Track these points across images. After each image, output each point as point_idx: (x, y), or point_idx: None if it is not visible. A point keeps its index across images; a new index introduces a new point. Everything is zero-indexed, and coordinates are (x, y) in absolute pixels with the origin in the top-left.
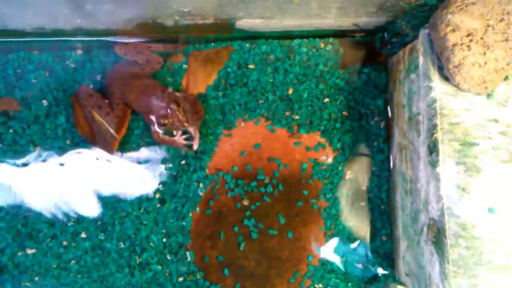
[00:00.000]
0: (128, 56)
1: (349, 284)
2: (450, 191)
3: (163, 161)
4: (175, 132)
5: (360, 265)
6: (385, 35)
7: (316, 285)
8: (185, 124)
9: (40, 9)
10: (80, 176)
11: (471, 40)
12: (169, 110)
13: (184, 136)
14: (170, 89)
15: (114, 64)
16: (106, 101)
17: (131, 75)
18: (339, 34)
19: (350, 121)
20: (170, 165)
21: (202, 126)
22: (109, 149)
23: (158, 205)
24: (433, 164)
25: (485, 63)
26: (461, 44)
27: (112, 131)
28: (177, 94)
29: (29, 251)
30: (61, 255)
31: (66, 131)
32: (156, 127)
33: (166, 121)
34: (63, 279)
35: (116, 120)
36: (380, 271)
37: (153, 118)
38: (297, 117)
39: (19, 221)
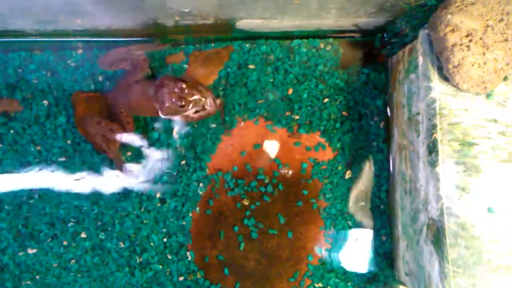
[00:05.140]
0: (114, 67)
1: (349, 283)
2: (449, 191)
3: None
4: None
5: (359, 265)
6: (385, 35)
7: (316, 285)
8: (204, 93)
9: (41, 9)
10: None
11: (470, 41)
12: (177, 90)
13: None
14: (164, 75)
15: (114, 83)
16: (115, 124)
17: (130, 88)
18: (338, 34)
19: (350, 121)
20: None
21: (201, 125)
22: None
23: (159, 205)
24: (433, 164)
25: (485, 63)
26: (461, 45)
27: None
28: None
29: (30, 251)
30: (62, 254)
31: (66, 131)
32: (175, 115)
33: (184, 102)
34: (64, 279)
35: (133, 129)
36: (380, 270)
37: (169, 108)
38: (297, 117)
39: (19, 221)
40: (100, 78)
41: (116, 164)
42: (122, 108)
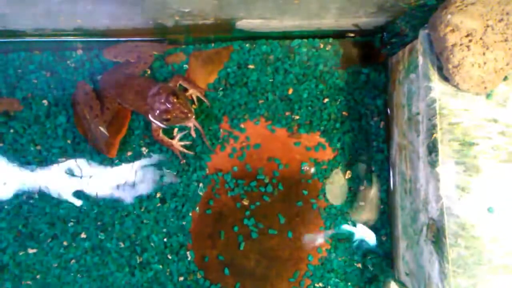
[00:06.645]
0: (119, 58)
1: (349, 283)
2: (449, 191)
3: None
4: (174, 133)
5: (359, 265)
6: (385, 35)
7: (316, 285)
8: (189, 114)
9: (41, 10)
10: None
11: (470, 41)
12: (168, 104)
13: (181, 143)
14: (163, 83)
15: (107, 69)
16: (98, 103)
17: (125, 77)
18: (338, 34)
19: (350, 121)
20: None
21: (202, 125)
22: (102, 149)
23: (159, 205)
24: (433, 164)
25: (485, 63)
26: (461, 45)
27: (103, 129)
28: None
29: (30, 251)
30: (62, 255)
31: (66, 131)
32: (159, 124)
33: (169, 116)
34: (64, 278)
35: (103, 124)
36: (380, 270)
37: (155, 115)
38: (297, 117)
39: (20, 222)
40: (99, 78)
41: (89, 141)
42: (110, 94)
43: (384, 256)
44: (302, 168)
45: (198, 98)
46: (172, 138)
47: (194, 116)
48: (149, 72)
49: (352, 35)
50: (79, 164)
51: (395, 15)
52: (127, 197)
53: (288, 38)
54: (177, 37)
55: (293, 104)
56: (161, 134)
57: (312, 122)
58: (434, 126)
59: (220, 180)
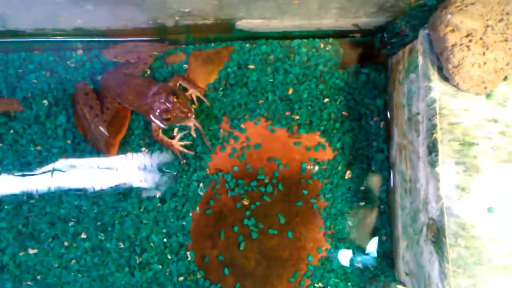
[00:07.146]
0: (119, 58)
1: (349, 283)
2: (449, 191)
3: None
4: (174, 133)
5: (359, 265)
6: (385, 35)
7: (315, 285)
8: (189, 114)
9: (41, 10)
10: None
11: (470, 41)
12: (168, 104)
13: (181, 143)
14: (163, 83)
15: (107, 69)
16: (98, 103)
17: (125, 77)
18: (338, 34)
19: (350, 121)
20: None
21: (202, 125)
22: (102, 148)
23: (159, 204)
24: (433, 164)
25: (485, 63)
26: (461, 45)
27: (102, 130)
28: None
29: (31, 251)
30: (62, 255)
31: (66, 131)
32: (159, 124)
33: (169, 115)
34: (64, 278)
35: (103, 124)
36: (380, 270)
37: (155, 115)
38: (297, 117)
39: (20, 221)
40: (99, 78)
41: (89, 141)
42: (110, 93)
43: (384, 256)
44: (303, 168)
45: (198, 98)
46: (172, 138)
47: (194, 116)
48: (149, 72)
49: (352, 35)
50: (79, 164)
51: (395, 15)
52: (127, 197)
53: (288, 38)
54: (177, 37)
55: (293, 104)
56: (161, 134)
57: (312, 122)
58: (434, 126)
59: (220, 180)
